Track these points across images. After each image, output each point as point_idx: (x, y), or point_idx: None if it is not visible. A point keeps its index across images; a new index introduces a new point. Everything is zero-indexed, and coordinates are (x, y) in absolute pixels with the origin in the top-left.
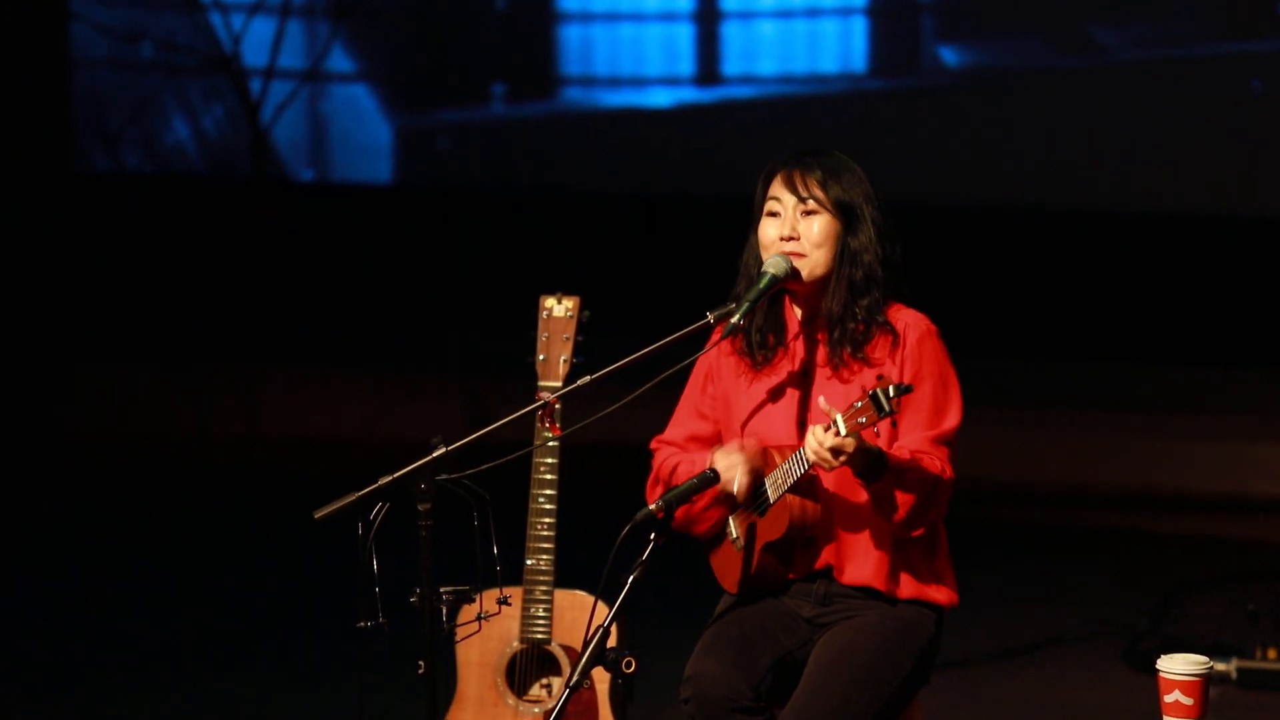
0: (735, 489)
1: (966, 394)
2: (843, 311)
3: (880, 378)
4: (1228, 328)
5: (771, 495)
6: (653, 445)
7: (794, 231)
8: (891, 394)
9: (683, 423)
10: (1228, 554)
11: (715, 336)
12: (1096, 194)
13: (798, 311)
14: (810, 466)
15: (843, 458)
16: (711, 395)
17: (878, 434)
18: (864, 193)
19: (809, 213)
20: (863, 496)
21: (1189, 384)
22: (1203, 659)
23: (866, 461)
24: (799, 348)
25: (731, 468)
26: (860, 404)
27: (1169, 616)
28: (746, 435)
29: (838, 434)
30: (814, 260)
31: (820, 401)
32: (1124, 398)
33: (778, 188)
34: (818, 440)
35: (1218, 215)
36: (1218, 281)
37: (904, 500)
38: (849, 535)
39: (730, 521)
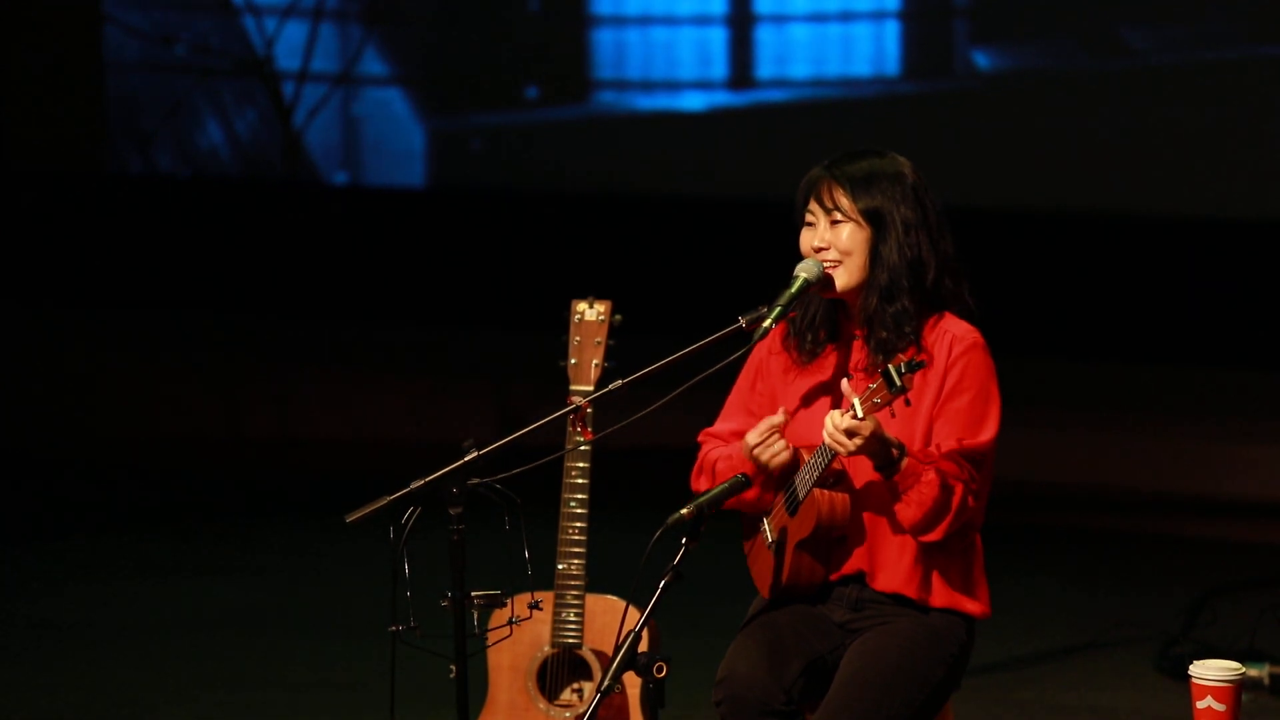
0: (770, 456)
1: (1003, 394)
2: (872, 318)
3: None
4: (1267, 331)
5: (800, 492)
6: (700, 438)
7: (824, 241)
8: (904, 370)
9: (731, 418)
10: (1261, 558)
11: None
12: (1131, 197)
13: (849, 316)
14: (832, 457)
15: (857, 440)
16: (760, 392)
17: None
18: (898, 195)
19: (836, 222)
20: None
21: (1225, 387)
22: (1235, 664)
23: (884, 452)
24: (845, 352)
25: (764, 433)
26: (875, 385)
27: (1202, 621)
28: (788, 435)
29: (855, 417)
30: (847, 268)
31: (842, 384)
32: (1158, 401)
33: (810, 199)
34: (834, 424)
35: (1258, 219)
36: (1258, 285)
37: (919, 499)
38: (881, 541)
39: (765, 523)
